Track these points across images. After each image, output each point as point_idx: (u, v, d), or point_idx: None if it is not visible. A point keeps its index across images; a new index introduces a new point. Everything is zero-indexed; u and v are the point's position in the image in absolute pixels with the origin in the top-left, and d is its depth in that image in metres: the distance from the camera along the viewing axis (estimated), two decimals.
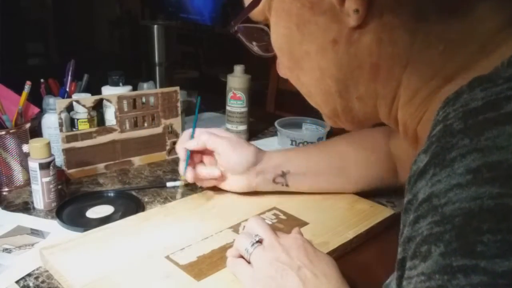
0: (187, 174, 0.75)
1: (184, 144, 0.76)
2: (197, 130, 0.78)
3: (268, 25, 0.46)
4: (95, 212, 0.75)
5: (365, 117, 0.46)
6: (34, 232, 0.69)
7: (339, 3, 0.38)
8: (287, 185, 0.77)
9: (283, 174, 0.76)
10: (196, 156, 0.78)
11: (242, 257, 0.56)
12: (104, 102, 0.91)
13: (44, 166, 0.74)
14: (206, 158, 0.79)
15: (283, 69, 0.48)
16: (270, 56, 0.50)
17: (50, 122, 0.89)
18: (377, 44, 0.39)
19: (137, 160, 0.95)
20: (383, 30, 0.39)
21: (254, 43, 0.51)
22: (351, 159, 0.78)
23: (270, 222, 0.70)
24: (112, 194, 0.81)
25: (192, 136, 0.77)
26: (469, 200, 0.27)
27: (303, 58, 0.44)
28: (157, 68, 1.45)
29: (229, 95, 1.10)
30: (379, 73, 0.41)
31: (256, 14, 0.45)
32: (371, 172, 0.78)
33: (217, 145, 0.75)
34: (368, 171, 0.78)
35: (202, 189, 0.81)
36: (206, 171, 0.77)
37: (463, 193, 0.28)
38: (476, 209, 0.27)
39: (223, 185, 0.78)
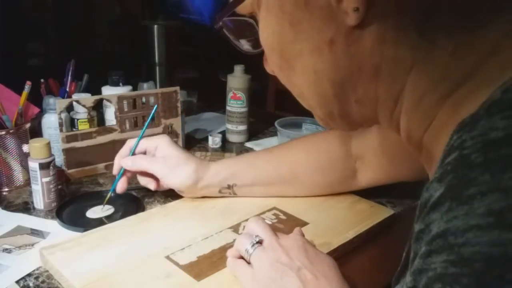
0: (118, 186, 0.75)
1: (122, 162, 0.76)
2: (143, 141, 0.77)
3: (255, 19, 0.43)
4: (95, 212, 0.75)
5: (363, 120, 0.44)
6: (34, 232, 0.69)
7: (336, 1, 0.36)
8: (235, 194, 0.76)
9: (229, 187, 0.75)
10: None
11: (242, 257, 0.56)
12: (104, 102, 0.91)
13: (44, 166, 0.74)
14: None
15: (272, 66, 0.45)
16: (259, 53, 0.47)
17: (50, 122, 0.89)
18: (379, 44, 0.37)
19: None
20: (386, 30, 0.36)
21: (241, 39, 0.48)
22: (303, 166, 0.76)
23: (270, 222, 0.70)
24: (112, 194, 0.81)
25: (133, 150, 0.76)
26: (491, 245, 0.26)
27: (295, 58, 0.41)
28: (157, 68, 1.45)
29: (229, 95, 1.10)
30: (380, 76, 0.39)
31: (242, 7, 0.42)
32: (326, 178, 0.76)
33: (153, 169, 0.74)
34: (323, 177, 0.76)
35: None
36: (143, 182, 0.77)
37: (484, 236, 0.26)
38: (498, 255, 0.25)
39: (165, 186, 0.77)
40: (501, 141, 0.28)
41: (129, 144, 0.77)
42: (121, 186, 0.76)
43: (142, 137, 0.77)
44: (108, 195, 0.76)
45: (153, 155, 0.76)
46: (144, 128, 0.79)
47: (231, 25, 0.46)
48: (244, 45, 0.48)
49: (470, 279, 0.26)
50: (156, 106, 0.85)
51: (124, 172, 0.76)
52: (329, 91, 0.41)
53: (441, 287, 0.27)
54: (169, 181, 0.74)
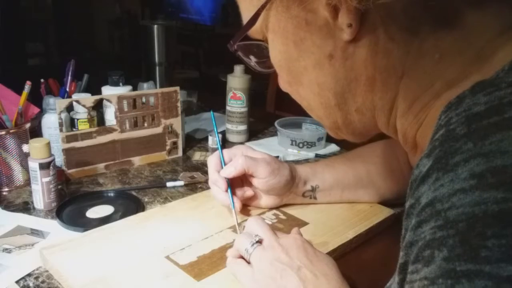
0: (236, 205, 0.69)
1: (222, 173, 0.70)
2: (225, 152, 0.73)
3: (266, 42, 0.47)
4: (95, 212, 0.75)
5: (365, 128, 0.47)
6: (34, 232, 0.70)
7: (333, 18, 0.39)
8: (315, 198, 0.76)
9: (313, 189, 0.75)
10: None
11: (242, 257, 0.56)
12: (104, 102, 0.91)
13: (44, 166, 0.74)
14: (233, 181, 0.73)
15: (283, 83, 0.49)
16: (271, 72, 0.51)
17: (50, 122, 0.89)
18: (371, 56, 0.40)
19: (137, 160, 0.95)
20: (377, 42, 0.39)
21: (253, 59, 0.52)
22: (378, 169, 0.77)
23: (270, 222, 0.70)
24: (112, 194, 0.81)
25: (222, 161, 0.71)
26: (473, 205, 0.27)
27: (301, 73, 0.45)
28: (157, 68, 1.45)
29: (229, 95, 1.10)
30: (375, 85, 0.42)
31: (253, 32, 0.46)
32: (397, 182, 0.77)
33: (256, 169, 0.70)
34: (393, 181, 0.77)
35: (202, 189, 0.81)
36: (240, 193, 0.72)
37: (466, 198, 0.27)
38: (480, 214, 0.26)
39: (255, 203, 0.74)
40: (483, 113, 0.30)
41: (214, 159, 0.72)
42: (239, 205, 0.69)
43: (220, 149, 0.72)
44: (235, 216, 0.68)
45: None
46: (218, 139, 0.75)
47: (244, 47, 0.50)
48: (259, 65, 0.52)
49: (455, 239, 0.27)
50: (212, 113, 0.77)
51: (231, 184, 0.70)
52: (331, 102, 0.45)
53: (430, 252, 0.28)
54: (273, 180, 0.70)
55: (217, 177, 0.70)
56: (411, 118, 0.42)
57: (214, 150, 1.07)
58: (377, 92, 0.42)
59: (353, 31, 0.39)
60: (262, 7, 0.43)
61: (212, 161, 0.72)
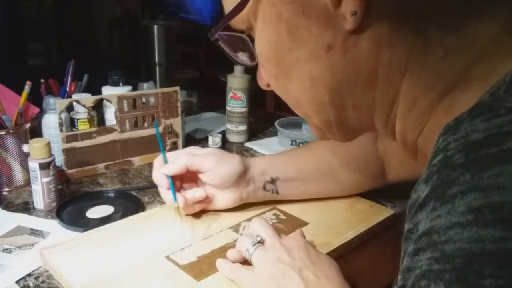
0: (179, 199, 0.66)
1: (162, 170, 0.68)
2: (170, 154, 0.71)
3: (250, 33, 0.43)
4: (95, 212, 0.75)
5: (360, 126, 0.45)
6: (34, 232, 0.69)
7: (335, 5, 0.36)
8: (277, 192, 0.73)
9: (273, 181, 0.72)
10: (174, 182, 0.69)
11: (237, 261, 0.57)
12: (104, 102, 0.91)
13: (44, 166, 0.74)
14: (185, 184, 0.71)
15: (267, 78, 0.46)
16: (253, 65, 0.48)
17: (50, 122, 0.89)
18: (375, 49, 0.38)
19: (137, 160, 0.95)
20: (382, 33, 0.37)
21: (235, 51, 0.48)
22: (341, 160, 0.74)
23: (270, 222, 0.70)
24: (112, 194, 0.81)
25: (165, 161, 0.70)
26: (470, 241, 0.27)
27: (292, 65, 0.41)
28: (157, 68, 1.45)
29: (229, 95, 1.10)
30: (377, 80, 0.39)
31: (238, 21, 0.42)
32: (362, 173, 0.75)
33: (201, 162, 0.68)
34: (359, 173, 0.75)
35: None
36: (191, 194, 0.68)
37: (464, 233, 0.27)
38: (477, 251, 0.26)
39: (211, 206, 0.71)
40: (481, 142, 0.29)
41: (158, 160, 0.71)
42: (182, 200, 0.67)
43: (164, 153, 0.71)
44: (178, 209, 0.67)
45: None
46: (160, 141, 0.74)
47: (226, 38, 0.46)
48: (240, 57, 0.48)
49: (452, 274, 0.27)
50: (155, 122, 0.79)
51: (173, 182, 0.68)
52: (325, 98, 0.42)
53: (426, 283, 0.28)
54: (221, 170, 0.68)
55: (159, 176, 0.69)
56: (412, 120, 0.40)
57: None
58: (378, 88, 0.40)
59: (357, 20, 0.36)
60: None
61: (156, 162, 0.71)
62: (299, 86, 0.42)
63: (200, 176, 0.70)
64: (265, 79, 0.46)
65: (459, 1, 0.37)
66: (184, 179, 0.71)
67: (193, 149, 0.72)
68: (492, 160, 0.28)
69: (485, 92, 0.34)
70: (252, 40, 0.43)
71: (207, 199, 0.70)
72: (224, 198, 0.70)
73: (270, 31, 0.40)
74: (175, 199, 0.66)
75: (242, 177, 0.69)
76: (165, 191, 0.69)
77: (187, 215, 0.70)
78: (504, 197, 0.26)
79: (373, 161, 0.75)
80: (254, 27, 0.42)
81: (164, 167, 0.68)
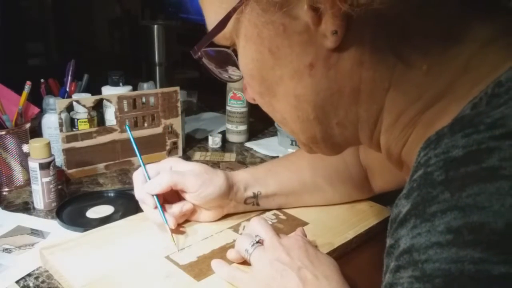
0: (170, 222, 0.63)
1: (146, 189, 0.64)
2: (150, 167, 0.67)
3: (234, 49, 0.43)
4: (95, 212, 0.75)
5: (346, 141, 0.45)
6: (34, 232, 0.70)
7: (315, 24, 0.36)
8: (257, 205, 0.71)
9: (254, 196, 0.70)
10: (158, 197, 0.65)
11: (239, 261, 0.57)
12: (104, 102, 0.91)
13: (44, 166, 0.74)
14: (167, 196, 0.68)
15: (253, 94, 0.45)
16: (238, 80, 0.47)
17: (50, 122, 0.89)
18: (357, 67, 0.37)
19: (137, 160, 0.95)
20: (364, 52, 0.37)
21: (219, 68, 0.48)
22: (323, 172, 0.73)
23: (270, 222, 0.70)
24: (112, 194, 0.81)
25: (148, 177, 0.66)
26: (450, 261, 0.27)
27: (276, 83, 0.41)
28: (157, 68, 1.45)
29: (229, 95, 1.10)
30: (360, 97, 0.39)
31: (221, 38, 0.42)
32: (344, 184, 0.74)
33: (185, 182, 0.65)
34: (342, 184, 0.74)
35: None
36: (178, 208, 0.66)
37: (443, 253, 0.27)
38: (456, 273, 0.26)
39: (195, 217, 0.69)
40: (461, 159, 0.29)
41: (139, 175, 0.67)
42: (173, 220, 0.64)
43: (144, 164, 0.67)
44: (170, 234, 0.64)
45: None
46: (138, 152, 0.69)
47: (212, 54, 0.45)
48: (224, 74, 0.48)
49: None
50: (127, 126, 0.75)
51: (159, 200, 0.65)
52: (310, 115, 0.42)
53: None
54: (205, 192, 0.65)
55: (143, 195, 0.64)
56: (397, 133, 0.40)
57: (214, 150, 1.07)
58: (361, 105, 0.40)
59: (338, 39, 0.36)
60: (234, 9, 0.38)
61: (137, 178, 0.66)
62: (284, 103, 0.42)
63: (184, 194, 0.67)
64: (250, 94, 0.46)
65: (440, 20, 0.37)
66: (166, 193, 0.67)
67: (175, 162, 0.68)
68: (471, 178, 0.28)
69: (468, 102, 0.34)
70: (237, 55, 0.43)
71: (193, 212, 0.68)
72: (207, 212, 0.69)
73: (253, 49, 0.40)
74: (166, 222, 0.63)
75: (226, 195, 0.67)
76: (151, 210, 0.65)
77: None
78: (483, 218, 0.26)
79: (355, 171, 0.74)
80: (236, 44, 0.42)
81: (148, 185, 0.64)
